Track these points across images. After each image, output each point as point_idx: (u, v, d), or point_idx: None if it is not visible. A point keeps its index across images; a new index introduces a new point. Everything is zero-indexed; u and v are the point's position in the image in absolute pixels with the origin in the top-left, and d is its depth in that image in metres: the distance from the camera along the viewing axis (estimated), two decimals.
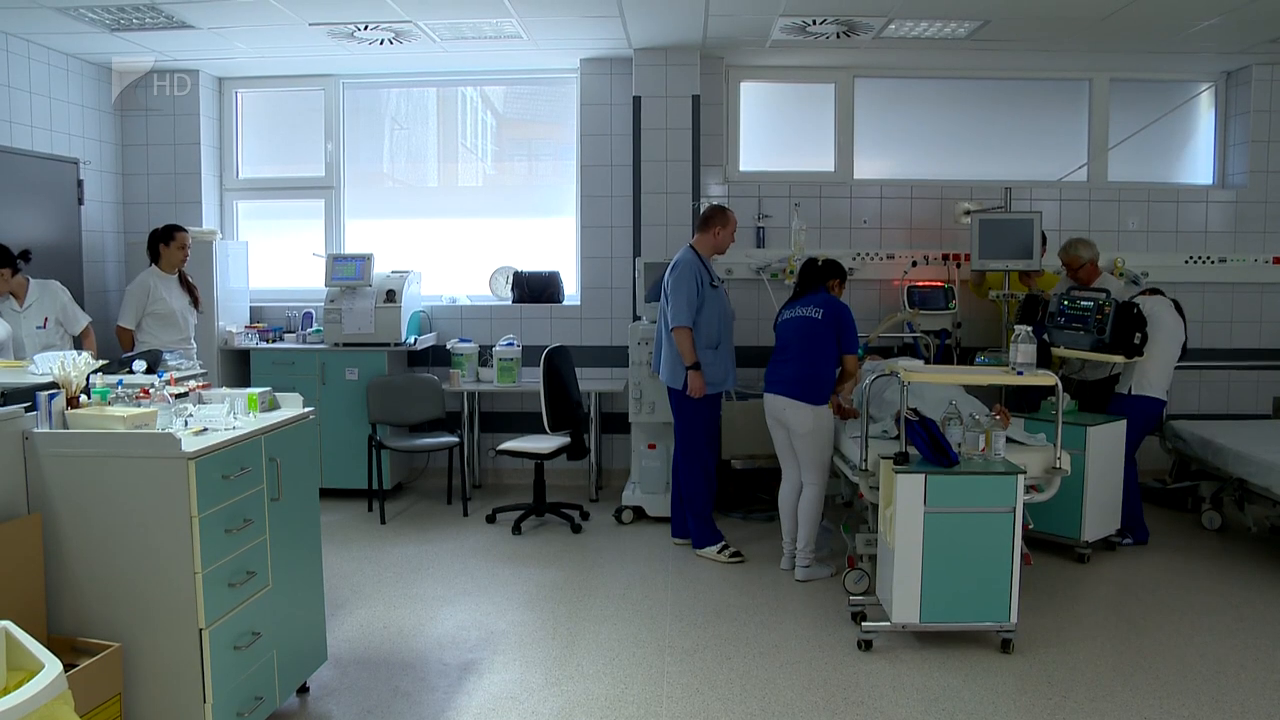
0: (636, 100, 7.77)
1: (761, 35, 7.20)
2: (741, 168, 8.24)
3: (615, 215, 7.99)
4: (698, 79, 7.72)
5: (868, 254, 7.90)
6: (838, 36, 7.11)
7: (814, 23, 6.80)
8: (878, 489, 4.98)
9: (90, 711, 3.11)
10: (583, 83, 8.07)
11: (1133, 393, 6.42)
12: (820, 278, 6.05)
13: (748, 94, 8.26)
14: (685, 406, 6.24)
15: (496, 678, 4.54)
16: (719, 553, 6.23)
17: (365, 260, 7.74)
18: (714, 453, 6.45)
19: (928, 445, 4.78)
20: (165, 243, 6.78)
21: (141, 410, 3.57)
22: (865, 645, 4.82)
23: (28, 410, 3.47)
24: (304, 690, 4.35)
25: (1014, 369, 5.03)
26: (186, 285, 6.89)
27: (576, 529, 6.85)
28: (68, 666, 3.04)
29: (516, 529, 6.80)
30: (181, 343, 6.66)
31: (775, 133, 8.41)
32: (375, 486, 7.21)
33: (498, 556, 6.27)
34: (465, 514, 7.26)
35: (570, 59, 8.02)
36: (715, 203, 7.53)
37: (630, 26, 7.05)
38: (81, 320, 6.27)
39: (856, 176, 8.23)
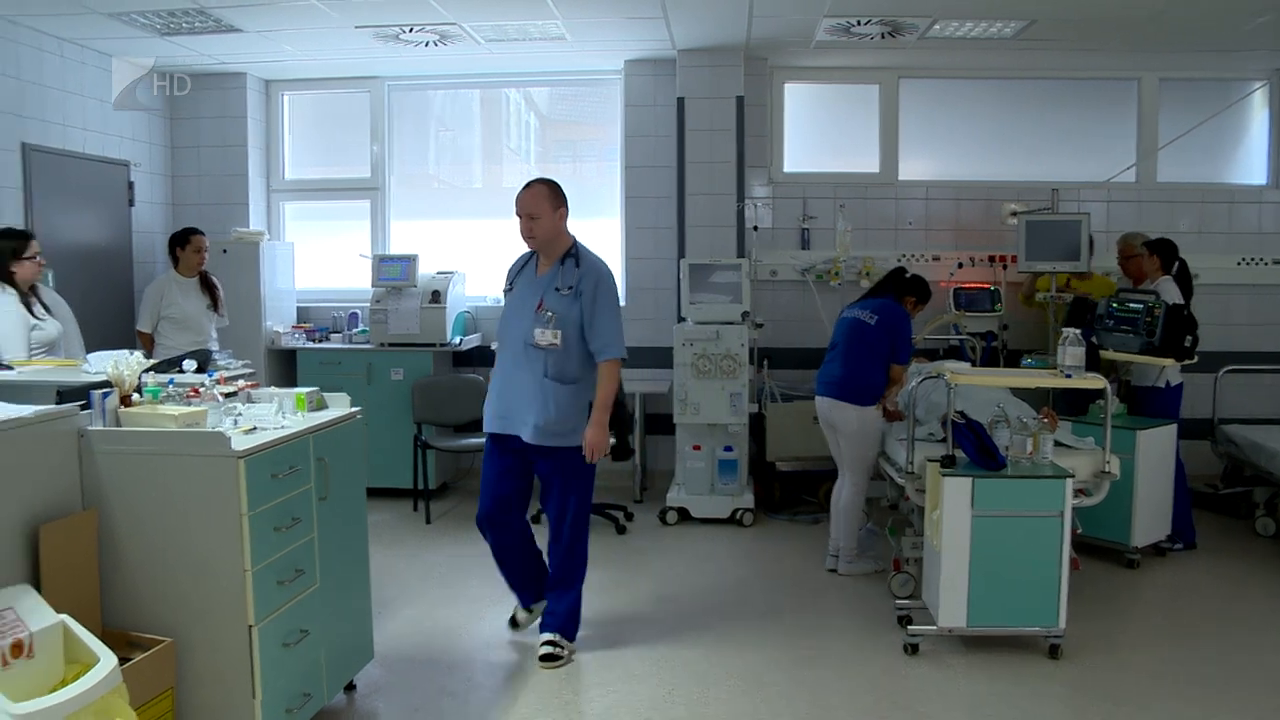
0: (680, 102, 7.76)
1: (805, 36, 7.17)
2: (785, 169, 8.22)
3: (659, 216, 7.99)
4: (741, 80, 7.69)
5: (913, 255, 7.85)
6: (882, 37, 7.07)
7: (858, 23, 6.77)
8: (924, 492, 4.95)
9: (143, 705, 3.14)
10: (627, 84, 8.08)
11: (1170, 384, 6.36)
12: (895, 288, 6.02)
13: (792, 95, 8.23)
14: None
15: (543, 678, 4.55)
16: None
17: (410, 261, 7.78)
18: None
19: (975, 448, 4.74)
20: (181, 246, 6.84)
21: (192, 409, 3.61)
22: (912, 649, 4.78)
23: (83, 408, 3.52)
24: (351, 688, 4.38)
25: (1062, 371, 4.98)
26: (208, 288, 6.94)
27: (621, 530, 6.85)
28: (122, 660, 3.09)
29: None
30: (199, 346, 6.63)
31: (819, 134, 8.38)
32: (420, 486, 7.25)
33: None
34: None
35: (614, 60, 8.03)
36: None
37: (674, 28, 7.04)
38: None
39: (901, 178, 8.19)
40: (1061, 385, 5.06)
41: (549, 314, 4.58)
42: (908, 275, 6.13)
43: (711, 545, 6.58)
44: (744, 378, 6.92)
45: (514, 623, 5.12)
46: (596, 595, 5.55)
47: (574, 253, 4.70)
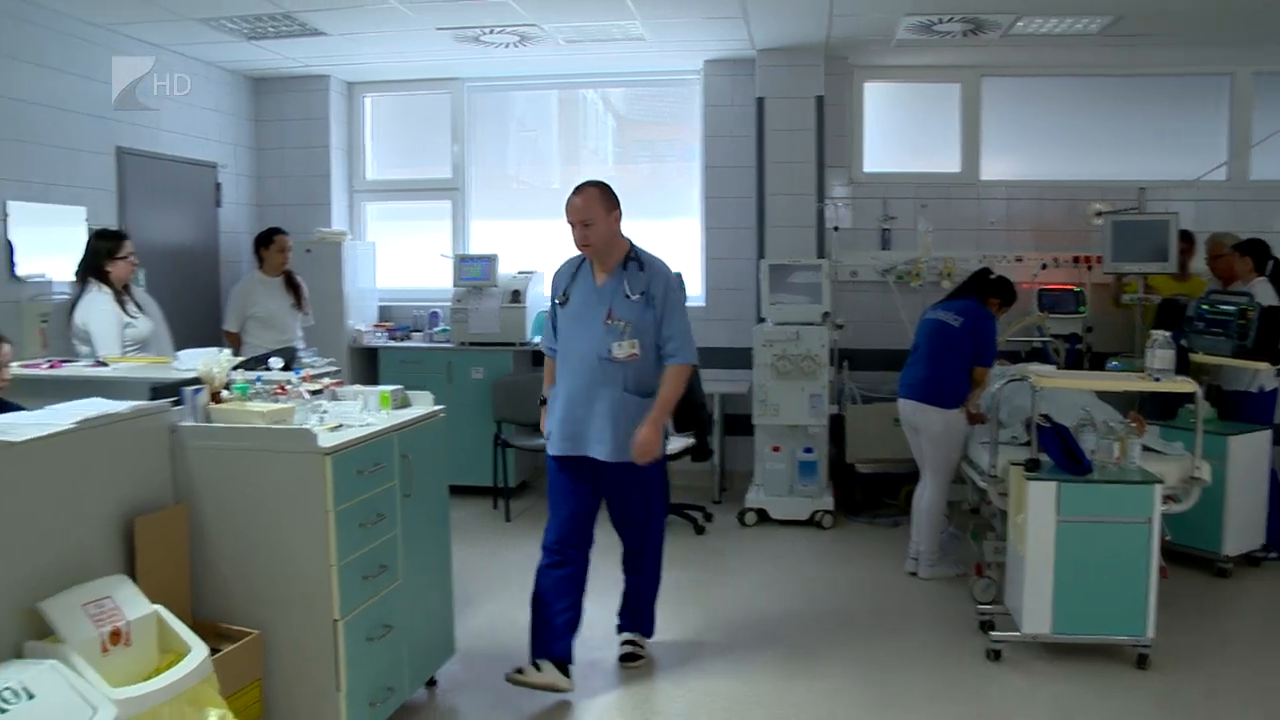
0: (760, 102, 7.74)
1: (886, 35, 7.10)
2: (865, 169, 8.14)
3: (739, 217, 7.96)
4: (821, 80, 7.65)
5: (995, 256, 7.72)
6: (964, 35, 6.97)
7: (940, 21, 6.68)
8: (1007, 495, 4.89)
9: (232, 694, 3.20)
10: (706, 84, 8.07)
11: (1264, 389, 6.20)
12: (980, 289, 5.95)
13: (871, 94, 8.15)
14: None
15: (620, 676, 4.57)
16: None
17: (491, 261, 7.85)
18: None
19: (1061, 452, 4.66)
20: (266, 246, 6.96)
21: (280, 406, 3.68)
22: (994, 655, 4.72)
23: (174, 405, 3.60)
24: (432, 683, 4.42)
25: (1150, 375, 4.88)
26: (292, 287, 7.04)
27: (700, 530, 6.85)
28: (212, 651, 3.15)
29: None
30: (283, 344, 6.74)
31: (900, 133, 8.29)
32: (500, 484, 7.30)
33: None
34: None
35: (693, 61, 8.02)
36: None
37: (754, 28, 7.02)
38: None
39: (983, 177, 8.07)
40: (1150, 389, 4.95)
41: (622, 323, 4.27)
42: (992, 276, 6.05)
43: (790, 547, 6.55)
44: (824, 379, 6.88)
45: (517, 671, 4.33)
46: (675, 595, 5.54)
47: (635, 256, 4.40)
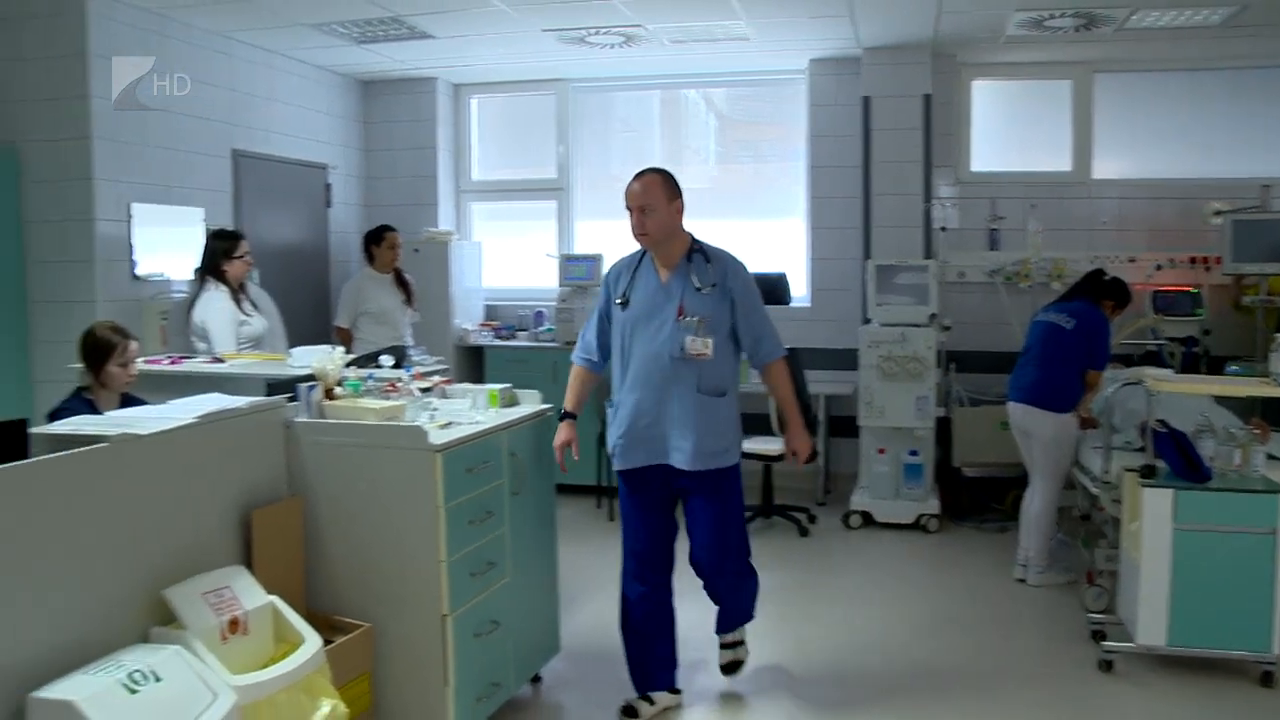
0: (866, 101, 7.66)
1: (995, 31, 6.97)
2: (973, 168, 8.00)
3: (845, 217, 7.89)
4: (928, 78, 7.55)
5: (1107, 257, 7.53)
6: (1076, 30, 6.81)
7: (1052, 16, 6.52)
8: (1120, 502, 4.76)
9: (343, 685, 3.25)
10: (811, 83, 8.01)
11: None
12: (1093, 291, 5.82)
13: (979, 92, 8.01)
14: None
15: (724, 677, 4.54)
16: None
17: (596, 261, 7.89)
18: None
19: (1178, 458, 4.53)
20: (376, 243, 7.05)
21: (392, 403, 3.74)
22: (1106, 666, 4.59)
23: (290, 400, 3.68)
24: (537, 680, 4.46)
25: (1275, 380, 4.72)
26: (402, 284, 7.13)
27: (804, 532, 6.80)
28: (324, 642, 3.21)
29: None
30: (394, 342, 6.78)
31: (1008, 132, 8.13)
32: (604, 483, 7.32)
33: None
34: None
35: (797, 60, 7.96)
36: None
37: (860, 26, 6.94)
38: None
39: (1095, 176, 7.87)
40: (1274, 394, 4.78)
41: (695, 319, 3.97)
42: (1106, 278, 5.91)
43: (895, 550, 6.48)
44: (930, 381, 6.79)
45: (630, 714, 4.16)
46: (778, 596, 5.51)
47: (699, 248, 4.13)
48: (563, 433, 4.20)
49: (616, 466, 4.19)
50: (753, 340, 4.14)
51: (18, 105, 6.03)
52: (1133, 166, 7.87)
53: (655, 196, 4.02)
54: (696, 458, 4.02)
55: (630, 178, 4.08)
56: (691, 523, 4.19)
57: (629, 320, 4.10)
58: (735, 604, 4.41)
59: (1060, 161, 7.92)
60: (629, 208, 4.06)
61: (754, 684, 4.51)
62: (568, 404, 4.27)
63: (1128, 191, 7.72)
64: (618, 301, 4.15)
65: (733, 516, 4.23)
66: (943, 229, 7.56)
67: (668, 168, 4.12)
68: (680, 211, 4.10)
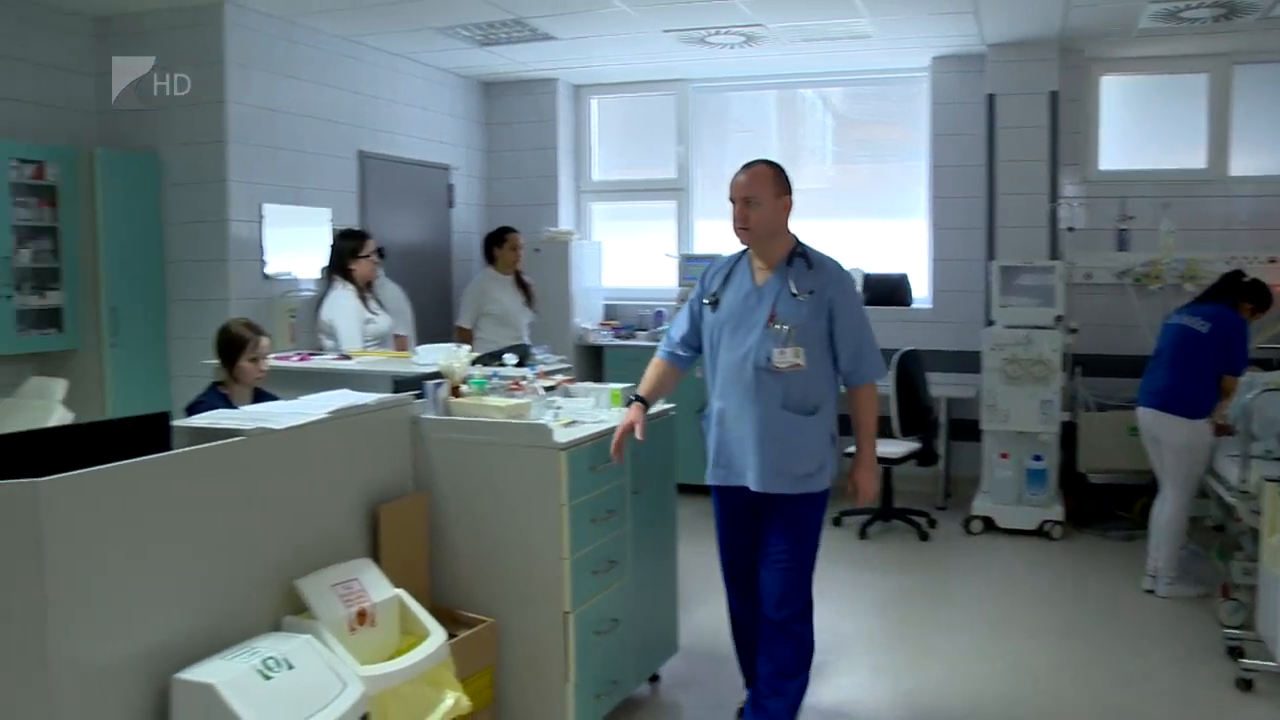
0: (990, 98, 7.51)
1: (1127, 25, 6.76)
2: (1101, 166, 7.79)
3: (968, 217, 7.74)
4: (1055, 74, 7.36)
5: (1244, 257, 7.26)
6: (1215, 20, 6.57)
7: (1189, 7, 6.30)
8: (1259, 513, 4.58)
9: (465, 679, 3.29)
10: (933, 81, 7.89)
11: None
12: (1231, 293, 5.61)
13: (1109, 88, 7.79)
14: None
15: (844, 681, 4.51)
16: None
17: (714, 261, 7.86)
18: None
19: None
20: (498, 244, 7.09)
21: (517, 401, 3.77)
22: (1245, 685, 4.39)
23: (416, 397, 3.74)
24: (655, 679, 4.45)
25: None
26: (522, 285, 7.18)
27: (924, 536, 6.69)
28: (448, 636, 3.26)
29: (863, 533, 6.73)
30: (514, 341, 6.81)
31: (1139, 128, 7.89)
32: None
33: (844, 560, 6.21)
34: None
35: (919, 58, 7.85)
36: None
37: (985, 22, 6.81)
38: (401, 328, 6.45)
39: (1232, 173, 7.59)
40: None
41: (785, 327, 3.63)
42: (1245, 279, 5.70)
43: (1017, 557, 6.34)
44: (1056, 384, 6.63)
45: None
46: (898, 600, 5.46)
47: (801, 251, 3.76)
48: (629, 414, 3.83)
49: (707, 479, 3.90)
50: (850, 358, 3.73)
51: (159, 113, 6.27)
52: (1273, 162, 7.56)
53: (762, 189, 3.69)
54: (768, 478, 3.66)
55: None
56: (760, 551, 3.82)
57: (717, 323, 3.80)
58: (773, 660, 3.79)
59: (1194, 159, 7.66)
60: (732, 199, 3.74)
61: (871, 691, 4.46)
62: (641, 388, 3.96)
63: (1267, 189, 7.43)
64: (706, 302, 3.86)
65: (801, 554, 3.79)
66: (1069, 229, 7.37)
67: (785, 168, 3.81)
68: (787, 209, 3.77)
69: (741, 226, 3.72)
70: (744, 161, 3.82)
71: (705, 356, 3.91)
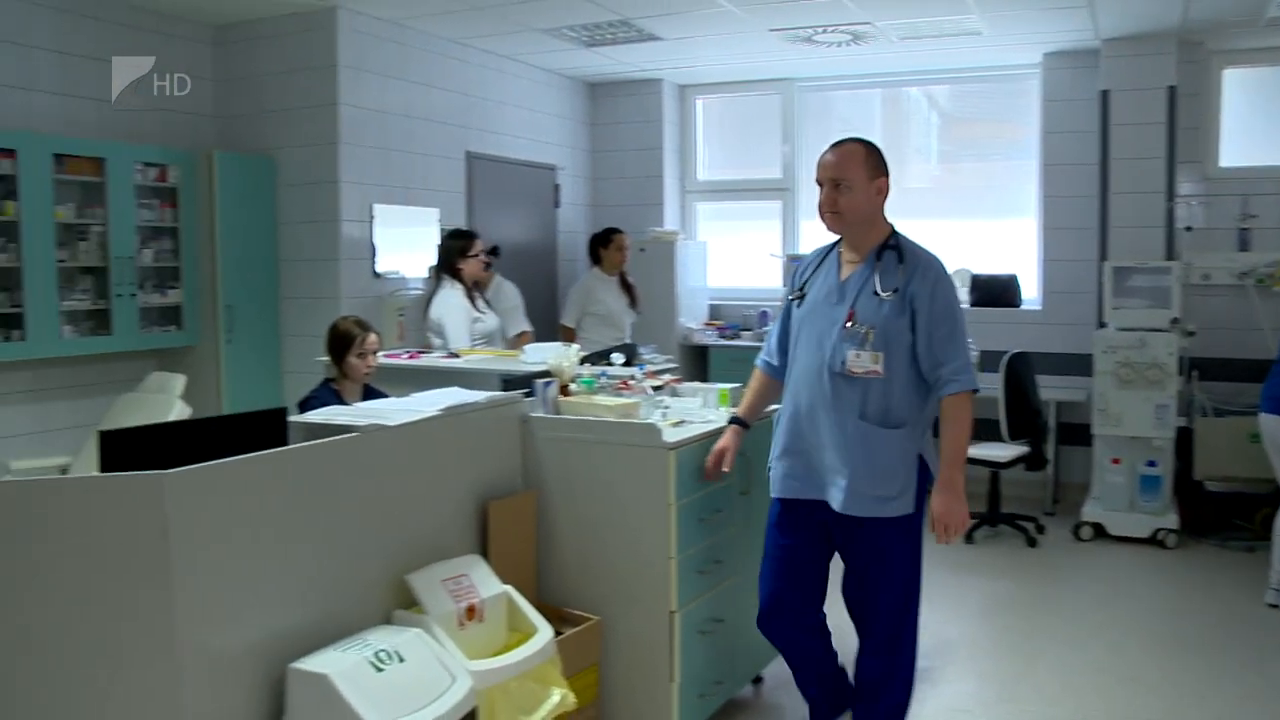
0: (1104, 95, 7.33)
1: (1253, 15, 6.50)
2: (1222, 163, 7.54)
3: (1080, 217, 7.57)
4: (1173, 69, 7.15)
5: None
6: None
7: None
8: None
9: (571, 676, 3.30)
10: (1045, 78, 7.74)
11: None
12: None
13: (1231, 82, 7.54)
14: None
15: (949, 688, 4.45)
16: None
17: None
18: None
19: None
20: (604, 245, 7.11)
21: (626, 400, 3.78)
22: None
23: (526, 396, 3.78)
24: (758, 680, 4.43)
25: None
26: (626, 286, 7.19)
27: (1031, 542, 6.56)
28: (555, 633, 3.28)
29: (969, 538, 6.62)
30: (617, 342, 6.88)
31: (1264, 123, 7.62)
32: None
33: (949, 564, 6.12)
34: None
35: (1030, 54, 7.70)
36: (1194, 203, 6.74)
37: (1100, 16, 6.63)
38: (520, 326, 6.48)
39: None
40: None
41: (864, 328, 3.26)
42: None
43: (1129, 566, 6.18)
44: (1171, 389, 6.46)
45: None
46: (1004, 608, 5.37)
47: (894, 243, 3.35)
48: (723, 439, 3.65)
49: (771, 491, 3.54)
50: (932, 363, 3.27)
51: (274, 115, 6.45)
52: None
53: (853, 170, 3.28)
54: (851, 499, 3.28)
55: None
56: (852, 588, 3.50)
57: (799, 319, 3.47)
58: (878, 693, 3.49)
59: None
60: (820, 181, 3.33)
61: (978, 698, 4.39)
62: (740, 407, 3.75)
63: None
64: (792, 297, 3.53)
65: (891, 583, 3.41)
66: (1187, 229, 7.18)
67: (890, 167, 3.39)
68: (883, 194, 3.35)
69: (831, 210, 3.32)
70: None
71: (792, 355, 3.51)
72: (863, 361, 3.24)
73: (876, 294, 3.27)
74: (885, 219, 3.40)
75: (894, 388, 3.27)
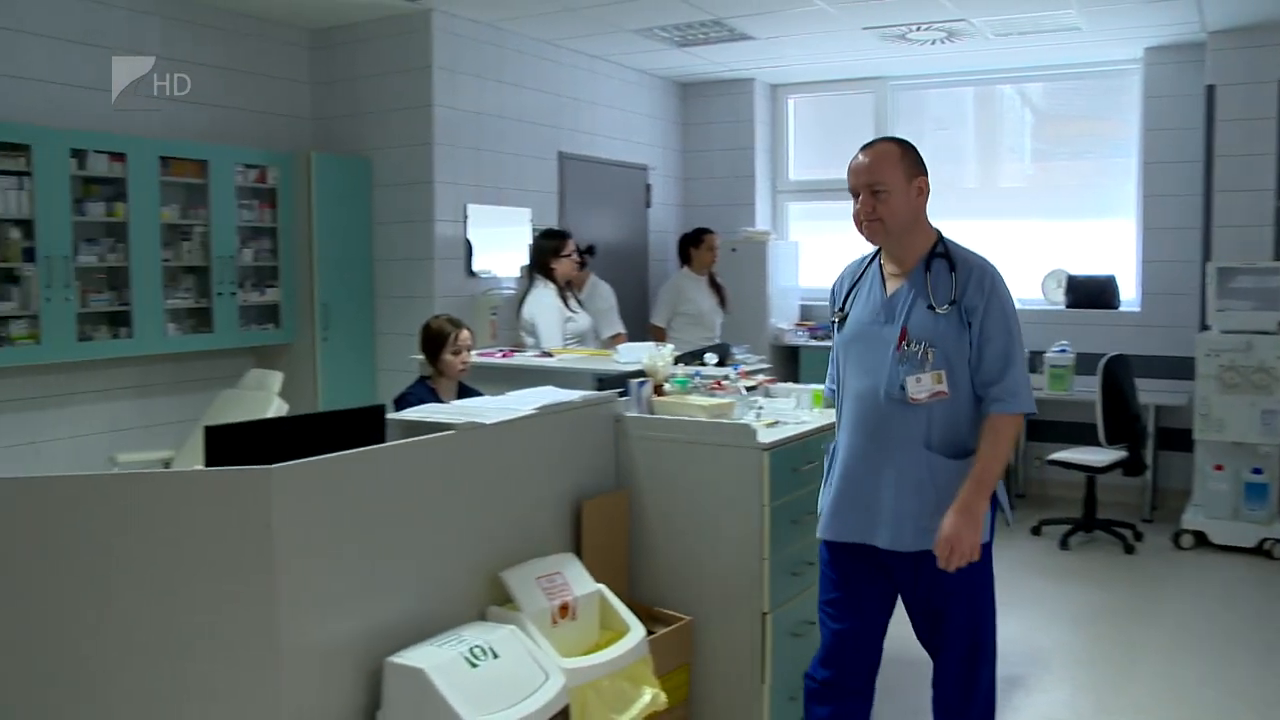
0: (1210, 90, 7.13)
1: None
2: None
3: (1182, 216, 7.39)
4: None
5: None
6: None
7: None
8: None
9: (662, 676, 3.31)
10: (1146, 73, 7.57)
11: None
12: None
13: None
14: None
15: (1044, 697, 4.37)
16: None
17: None
18: None
19: None
20: (695, 245, 7.12)
21: (720, 400, 3.78)
22: None
23: (620, 395, 3.79)
24: None
25: None
26: (715, 286, 7.18)
27: (1129, 549, 6.42)
28: (647, 632, 3.29)
29: (1064, 544, 6.50)
30: (707, 342, 6.87)
31: None
32: None
33: (1043, 570, 6.02)
34: (1008, 524, 7.04)
35: (1130, 49, 7.54)
36: None
37: (1206, 8, 6.44)
38: (615, 327, 6.49)
39: None
40: None
41: (920, 347, 2.92)
42: None
43: (1233, 576, 6.02)
44: (1279, 394, 6.27)
45: None
46: (1101, 616, 5.26)
47: (942, 250, 3.04)
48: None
49: (818, 534, 3.15)
50: (984, 379, 2.93)
51: (370, 117, 6.56)
52: None
53: (890, 173, 2.96)
54: (906, 533, 2.94)
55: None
56: (923, 629, 3.16)
57: (843, 343, 3.13)
58: None
59: None
60: (853, 190, 3.01)
61: (1073, 708, 4.30)
62: None
63: None
64: (832, 319, 3.20)
65: (978, 616, 3.06)
66: None
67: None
68: (923, 194, 3.02)
69: (870, 218, 2.96)
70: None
71: (837, 384, 3.17)
72: (925, 386, 2.89)
73: (931, 308, 2.94)
74: (929, 222, 3.08)
75: (958, 411, 2.95)
